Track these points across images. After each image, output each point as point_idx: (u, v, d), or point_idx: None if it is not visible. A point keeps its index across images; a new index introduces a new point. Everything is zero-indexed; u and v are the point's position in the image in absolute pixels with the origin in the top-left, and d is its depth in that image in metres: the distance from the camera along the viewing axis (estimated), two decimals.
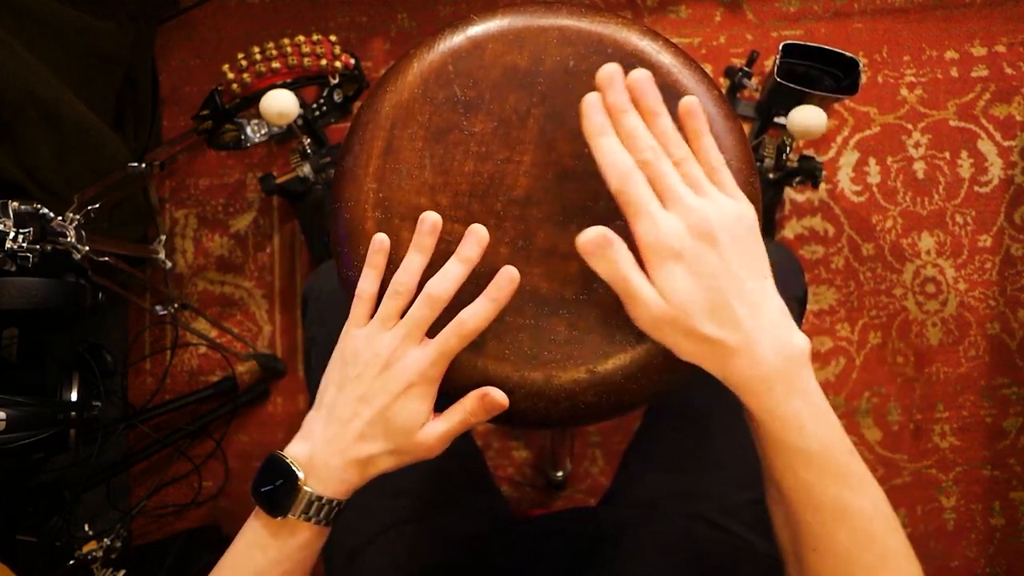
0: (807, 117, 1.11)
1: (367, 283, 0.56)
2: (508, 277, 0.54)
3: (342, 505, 0.55)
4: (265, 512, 0.54)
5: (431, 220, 0.55)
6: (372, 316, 0.55)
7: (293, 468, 0.53)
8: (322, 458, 0.54)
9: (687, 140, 0.53)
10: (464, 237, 0.55)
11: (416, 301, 0.54)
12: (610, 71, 0.53)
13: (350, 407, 0.54)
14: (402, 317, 0.54)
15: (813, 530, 0.51)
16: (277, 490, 0.53)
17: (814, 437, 0.49)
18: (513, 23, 0.60)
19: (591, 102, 0.53)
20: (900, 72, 1.46)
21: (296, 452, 0.54)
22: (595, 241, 0.51)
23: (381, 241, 0.56)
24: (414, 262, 0.55)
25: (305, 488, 0.53)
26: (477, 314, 0.53)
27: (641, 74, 0.53)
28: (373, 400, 0.53)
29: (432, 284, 0.54)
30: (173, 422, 1.36)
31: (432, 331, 0.54)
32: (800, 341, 0.51)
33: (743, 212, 0.52)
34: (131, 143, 1.37)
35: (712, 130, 0.58)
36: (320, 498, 0.53)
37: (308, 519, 0.53)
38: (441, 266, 0.55)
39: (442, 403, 0.56)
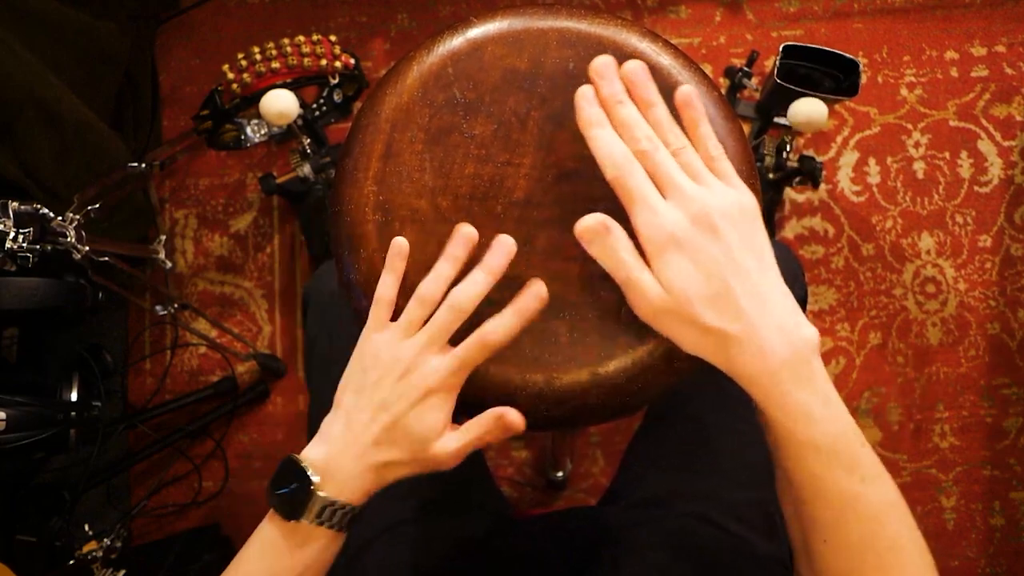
0: (809, 110, 1.10)
1: (386, 287, 0.55)
2: (535, 292, 0.53)
3: (357, 510, 0.54)
4: (279, 516, 0.53)
5: (466, 232, 0.54)
6: (391, 319, 0.55)
7: (308, 472, 0.53)
8: (338, 462, 0.53)
9: (685, 130, 0.53)
10: (491, 247, 0.53)
11: (439, 309, 0.53)
12: (603, 63, 0.53)
13: (367, 412, 0.53)
14: (424, 324, 0.53)
15: (823, 522, 0.50)
16: (292, 494, 0.53)
17: (823, 429, 0.49)
18: (512, 25, 0.60)
19: (584, 94, 0.53)
20: (900, 72, 1.46)
21: (313, 455, 0.54)
22: (593, 228, 0.51)
23: (400, 245, 0.55)
24: (443, 271, 0.53)
25: (319, 493, 0.52)
26: (501, 327, 0.52)
27: (635, 65, 0.53)
28: (391, 407, 0.53)
29: (456, 293, 0.52)
30: (173, 422, 1.36)
31: (454, 339, 0.53)
32: (808, 331, 0.50)
33: (744, 200, 0.51)
34: (131, 143, 1.37)
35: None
36: (335, 503, 0.53)
37: (322, 524, 0.53)
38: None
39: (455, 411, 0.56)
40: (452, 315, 0.52)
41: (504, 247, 0.53)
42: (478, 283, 0.52)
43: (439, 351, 0.53)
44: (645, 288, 0.50)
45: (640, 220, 0.50)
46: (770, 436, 0.52)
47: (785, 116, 1.14)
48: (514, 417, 0.53)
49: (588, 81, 0.54)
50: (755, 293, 0.49)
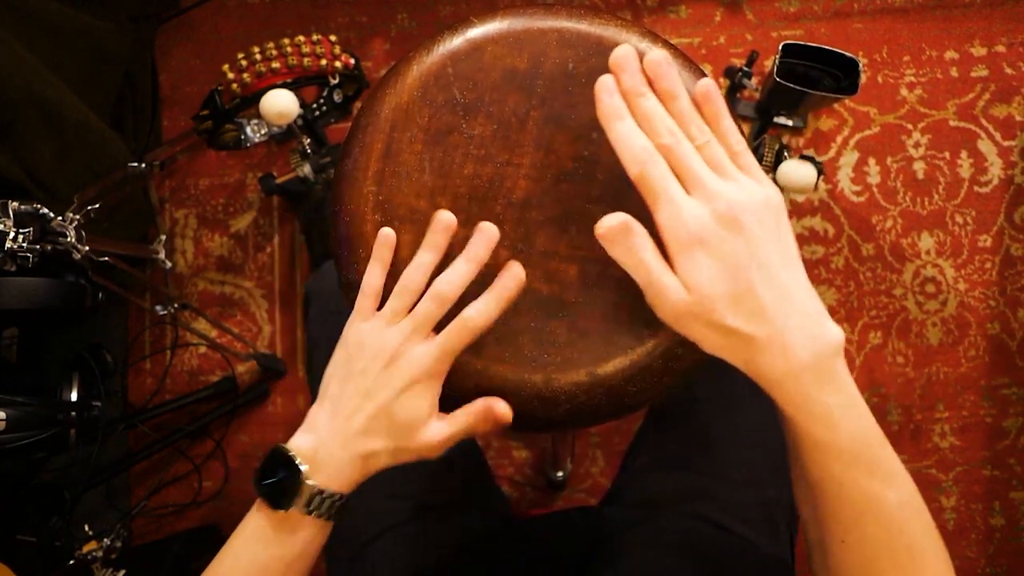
0: (797, 173, 1.12)
1: (372, 277, 0.55)
2: (513, 274, 0.54)
3: (345, 499, 0.54)
4: (268, 505, 0.53)
5: (445, 219, 0.54)
6: (377, 310, 0.55)
7: (296, 461, 0.53)
8: (326, 451, 0.53)
9: (707, 125, 0.51)
10: (473, 235, 0.54)
11: (423, 298, 0.54)
12: (624, 53, 0.50)
13: (353, 401, 0.53)
14: (408, 313, 0.54)
15: (842, 522, 0.49)
16: (280, 483, 0.53)
17: (845, 431, 0.47)
18: (512, 25, 0.60)
19: (605, 85, 0.50)
20: (900, 72, 1.46)
21: (299, 445, 0.54)
22: (616, 228, 0.49)
23: (387, 236, 0.56)
24: (425, 259, 0.54)
25: (308, 482, 0.53)
26: (482, 312, 0.53)
27: (658, 55, 0.51)
28: (377, 395, 0.53)
29: (440, 282, 0.53)
30: (173, 422, 1.36)
31: (437, 328, 0.54)
32: (833, 332, 0.48)
33: (770, 196, 0.49)
34: (131, 143, 1.37)
35: None
36: (323, 492, 0.53)
37: (311, 513, 0.53)
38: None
39: (443, 405, 0.55)
40: (435, 304, 0.53)
41: (486, 235, 0.54)
42: (461, 272, 0.53)
43: (423, 339, 0.53)
44: (668, 291, 0.48)
45: (663, 217, 0.48)
46: (790, 437, 0.51)
47: (785, 116, 1.14)
48: (502, 409, 0.54)
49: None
50: (780, 293, 0.47)
